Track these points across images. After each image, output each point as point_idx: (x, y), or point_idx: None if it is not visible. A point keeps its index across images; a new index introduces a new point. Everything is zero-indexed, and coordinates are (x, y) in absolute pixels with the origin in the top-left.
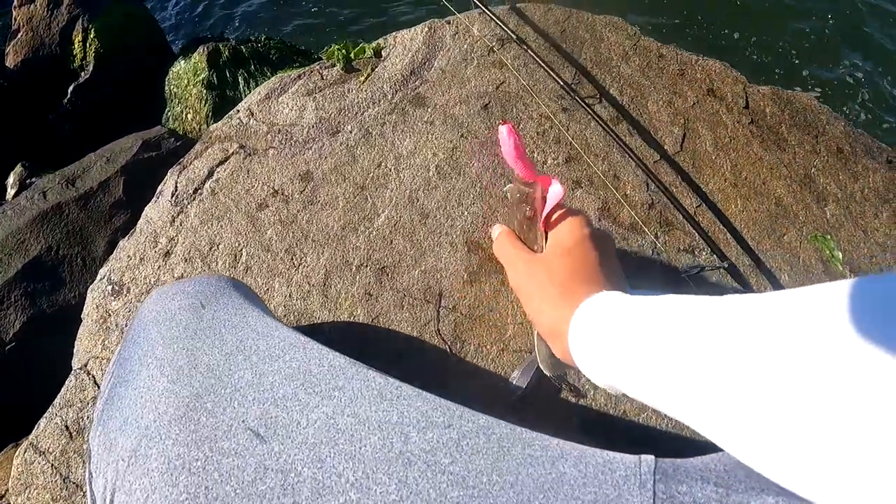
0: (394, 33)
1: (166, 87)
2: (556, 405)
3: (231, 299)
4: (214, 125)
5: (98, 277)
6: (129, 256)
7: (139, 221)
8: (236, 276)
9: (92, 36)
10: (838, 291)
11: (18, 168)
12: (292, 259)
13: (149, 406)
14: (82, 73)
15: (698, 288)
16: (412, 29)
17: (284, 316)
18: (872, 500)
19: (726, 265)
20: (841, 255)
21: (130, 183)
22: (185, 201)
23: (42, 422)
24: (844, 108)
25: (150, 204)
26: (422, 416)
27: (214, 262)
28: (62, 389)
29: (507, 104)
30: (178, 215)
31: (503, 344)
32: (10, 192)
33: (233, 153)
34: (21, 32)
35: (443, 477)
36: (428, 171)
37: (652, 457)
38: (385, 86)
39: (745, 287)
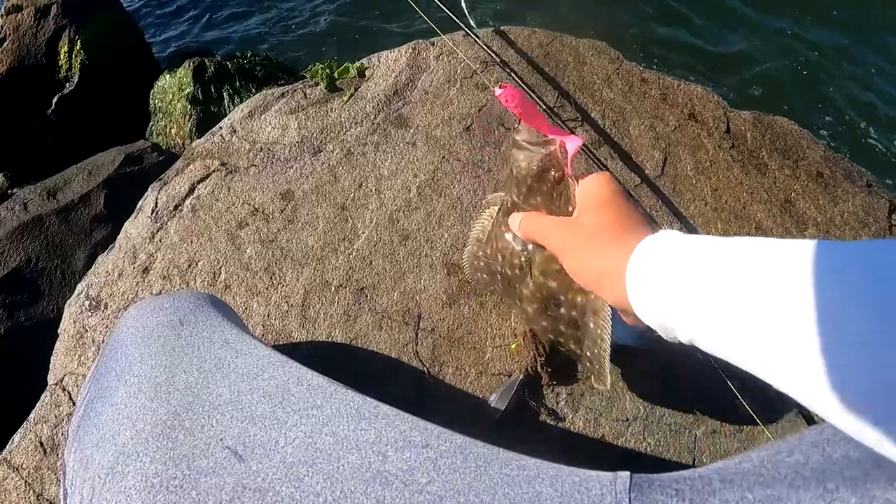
0: (378, 53)
1: (151, 101)
2: (536, 428)
3: (210, 316)
4: (197, 141)
5: (76, 293)
6: (107, 272)
7: (118, 237)
8: (215, 294)
9: (78, 47)
10: None
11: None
12: (271, 278)
13: (126, 423)
14: (67, 84)
15: None
16: (396, 49)
17: (262, 335)
18: None
19: None
20: None
21: (112, 197)
22: (165, 217)
23: (16, 437)
24: (824, 132)
25: (129, 219)
26: (399, 435)
27: (193, 279)
28: (37, 405)
29: (489, 126)
30: (157, 231)
31: (482, 367)
32: None
33: (214, 170)
34: (7, 41)
35: (420, 496)
36: (409, 192)
37: (627, 473)
38: (368, 106)
39: None
